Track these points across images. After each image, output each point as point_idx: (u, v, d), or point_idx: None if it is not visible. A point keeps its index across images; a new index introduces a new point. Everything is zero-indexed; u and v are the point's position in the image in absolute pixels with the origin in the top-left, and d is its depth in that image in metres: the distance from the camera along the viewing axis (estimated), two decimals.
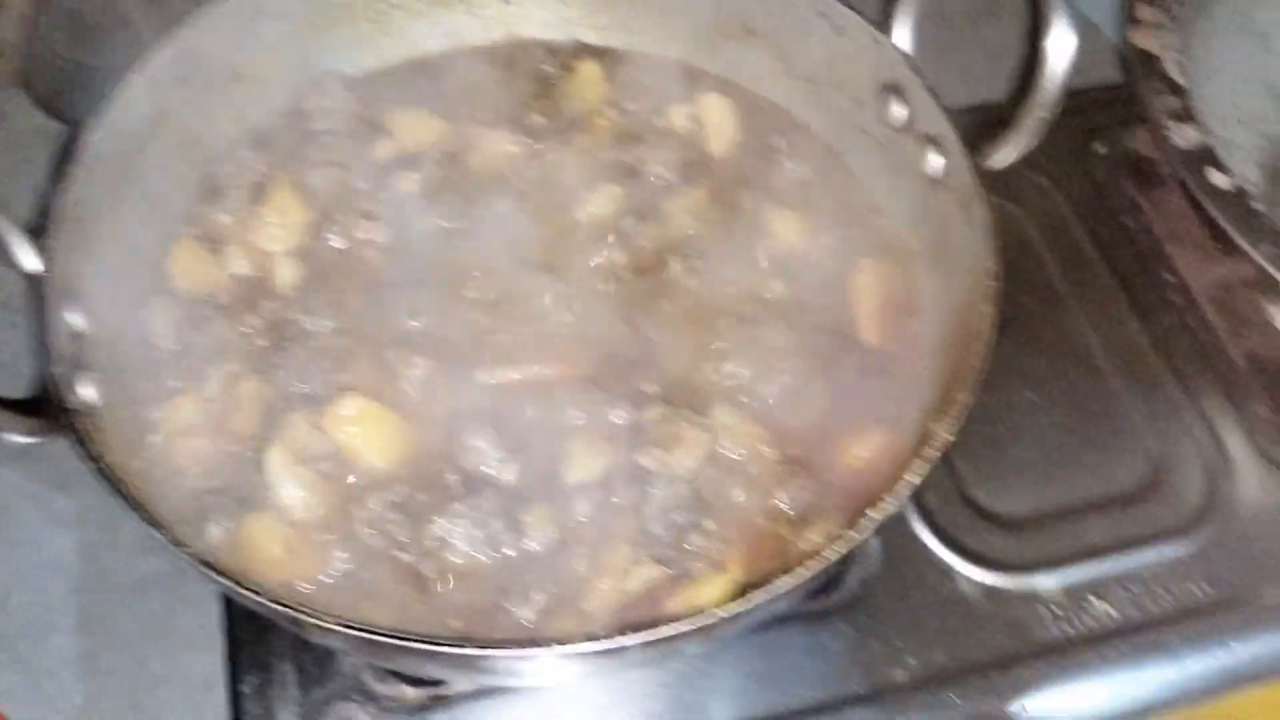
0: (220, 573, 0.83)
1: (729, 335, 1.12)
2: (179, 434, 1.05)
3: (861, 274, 1.19)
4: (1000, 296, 1.01)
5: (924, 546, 1.19)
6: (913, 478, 0.90)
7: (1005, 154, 1.12)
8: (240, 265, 1.16)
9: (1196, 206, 1.42)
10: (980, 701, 1.10)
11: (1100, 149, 1.50)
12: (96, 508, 1.51)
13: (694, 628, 0.83)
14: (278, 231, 1.18)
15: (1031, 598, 1.16)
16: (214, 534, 0.99)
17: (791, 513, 1.02)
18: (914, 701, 1.09)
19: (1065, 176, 1.48)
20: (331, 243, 1.18)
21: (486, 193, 1.21)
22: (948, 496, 1.23)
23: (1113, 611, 1.16)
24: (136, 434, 1.05)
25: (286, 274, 1.16)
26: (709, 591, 0.96)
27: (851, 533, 0.87)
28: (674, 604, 0.96)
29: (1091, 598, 1.16)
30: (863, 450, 1.06)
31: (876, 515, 0.88)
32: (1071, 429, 1.28)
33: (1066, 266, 1.40)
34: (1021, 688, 1.11)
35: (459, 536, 0.98)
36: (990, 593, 1.16)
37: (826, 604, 1.15)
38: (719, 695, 1.09)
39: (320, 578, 0.99)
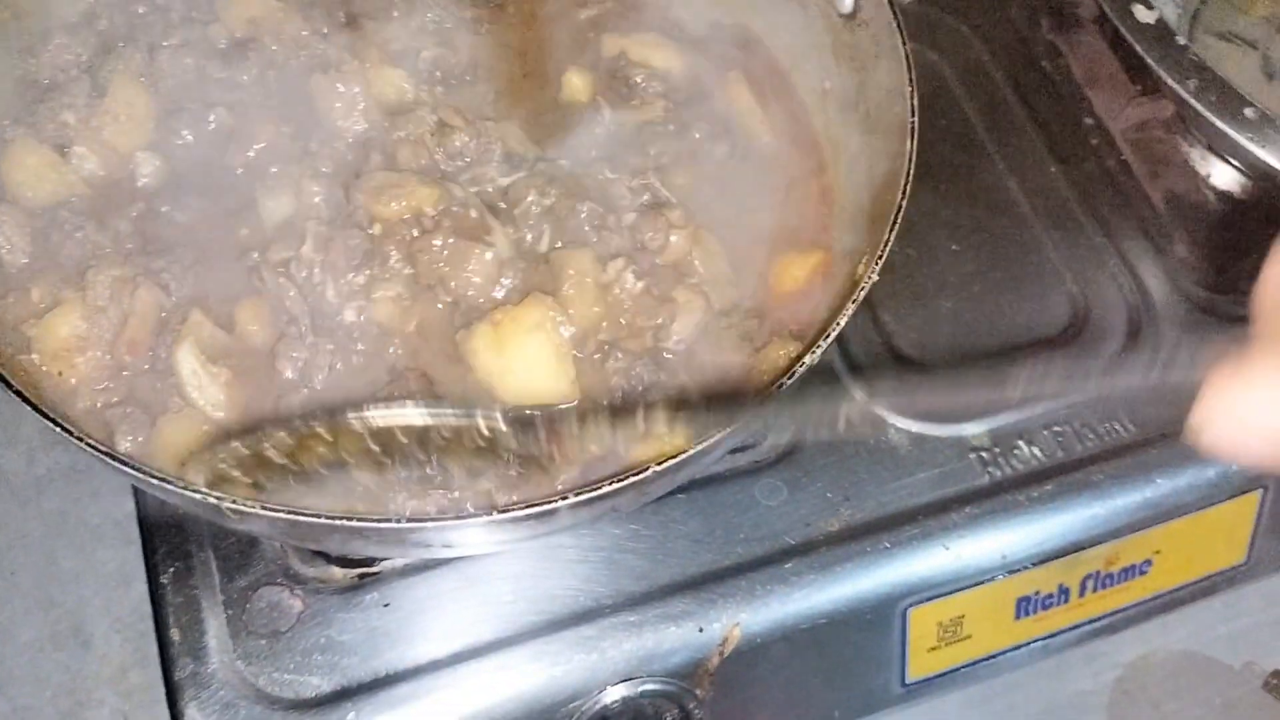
0: (136, 466, 0.77)
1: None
2: (63, 351, 0.95)
3: (730, 85, 1.17)
4: (917, 131, 0.98)
5: (852, 399, 1.18)
6: (843, 319, 0.88)
7: None
8: (92, 166, 1.05)
9: (1115, 48, 1.41)
10: (913, 546, 1.10)
11: None
12: None
13: (622, 486, 0.80)
14: (128, 126, 1.06)
15: (960, 444, 1.16)
16: (124, 447, 0.91)
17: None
18: (849, 549, 1.09)
19: (983, 21, 1.45)
20: (187, 135, 1.07)
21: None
22: (874, 349, 1.21)
23: (1040, 454, 1.16)
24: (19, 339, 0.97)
25: (147, 171, 1.05)
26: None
27: (784, 379, 0.85)
28: None
29: (1019, 442, 1.17)
30: (799, 271, 1.06)
31: (801, 367, 0.86)
32: (995, 277, 1.27)
33: (986, 114, 1.38)
34: (953, 530, 1.11)
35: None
36: (920, 441, 1.16)
37: (758, 460, 1.14)
38: (655, 557, 1.08)
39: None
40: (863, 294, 0.88)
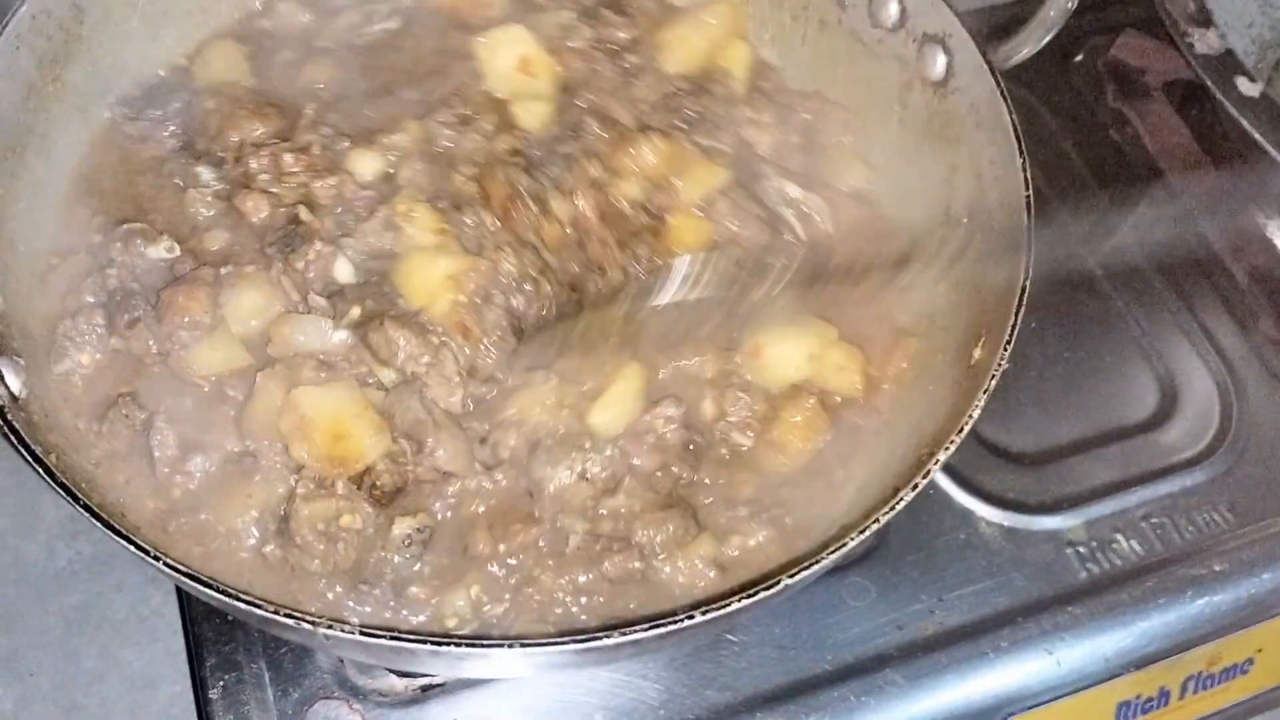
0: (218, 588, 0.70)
1: None
2: None
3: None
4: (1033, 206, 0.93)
5: (939, 490, 1.11)
6: (975, 412, 0.81)
7: (1017, 49, 1.04)
8: None
9: (1185, 117, 1.36)
10: (1014, 651, 1.03)
11: (1079, 59, 1.43)
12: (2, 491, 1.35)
13: (687, 625, 0.73)
14: None
15: (1055, 538, 1.09)
16: None
17: None
18: (947, 656, 1.02)
19: (1046, 89, 1.40)
20: None
21: None
22: None
23: (1138, 548, 1.10)
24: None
25: None
26: None
27: (919, 479, 0.78)
28: None
29: (1117, 535, 1.10)
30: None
31: (932, 469, 0.79)
32: (1077, 355, 1.21)
33: (1056, 183, 1.32)
34: (1054, 634, 1.04)
35: None
36: (1011, 535, 1.09)
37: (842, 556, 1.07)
38: (738, 665, 1.01)
39: None
40: (994, 382, 0.81)
